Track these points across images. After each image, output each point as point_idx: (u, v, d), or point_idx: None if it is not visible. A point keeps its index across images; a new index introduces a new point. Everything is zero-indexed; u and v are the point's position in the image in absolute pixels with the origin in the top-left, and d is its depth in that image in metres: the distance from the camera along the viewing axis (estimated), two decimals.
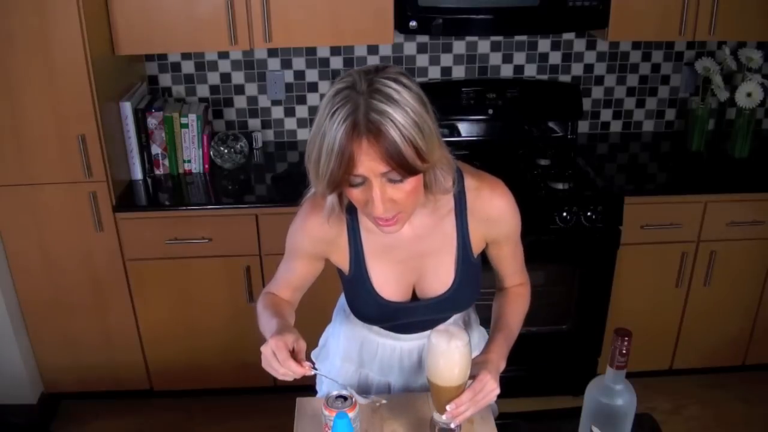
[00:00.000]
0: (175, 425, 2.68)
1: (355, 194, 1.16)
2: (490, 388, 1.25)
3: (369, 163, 1.08)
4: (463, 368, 1.25)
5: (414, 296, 1.43)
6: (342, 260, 1.39)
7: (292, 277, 1.45)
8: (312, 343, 1.68)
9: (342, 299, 1.62)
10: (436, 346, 1.25)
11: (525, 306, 1.50)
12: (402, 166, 1.09)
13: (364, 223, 1.34)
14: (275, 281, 1.47)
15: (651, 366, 2.79)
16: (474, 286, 1.44)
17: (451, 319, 1.51)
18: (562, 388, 2.51)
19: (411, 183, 1.14)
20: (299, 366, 1.20)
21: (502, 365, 1.33)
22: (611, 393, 1.16)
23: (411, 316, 1.43)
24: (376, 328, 1.51)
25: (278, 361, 1.19)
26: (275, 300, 1.44)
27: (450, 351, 1.23)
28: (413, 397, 1.46)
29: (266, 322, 1.34)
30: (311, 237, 1.37)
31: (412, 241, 1.36)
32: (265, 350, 1.21)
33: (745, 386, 2.83)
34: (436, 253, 1.37)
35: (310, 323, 1.74)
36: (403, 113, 1.07)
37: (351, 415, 1.26)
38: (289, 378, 1.21)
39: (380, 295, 1.38)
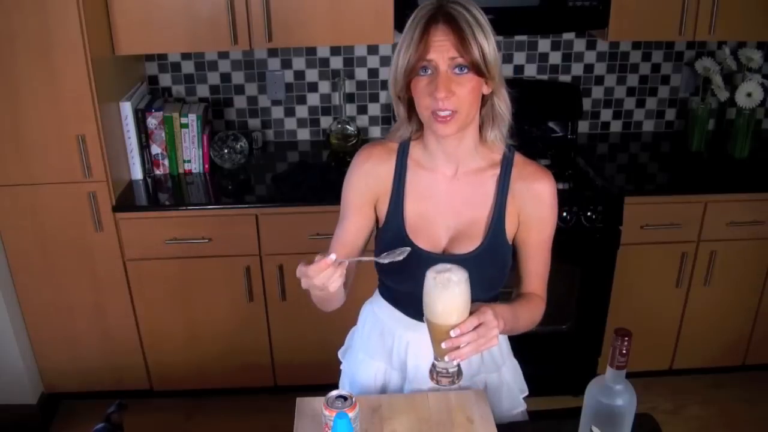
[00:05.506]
0: (175, 425, 2.67)
1: (422, 85, 1.28)
2: (492, 324, 1.20)
3: (440, 48, 1.25)
4: (461, 304, 1.19)
5: None
6: (385, 200, 1.44)
7: (344, 234, 1.45)
8: (340, 343, 1.72)
9: (368, 301, 1.63)
10: (434, 280, 1.19)
11: (539, 311, 1.49)
12: (468, 55, 1.25)
13: (412, 163, 1.43)
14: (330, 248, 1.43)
15: (651, 366, 2.79)
16: (500, 263, 1.43)
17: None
18: (562, 388, 2.50)
19: (472, 81, 1.28)
20: (322, 262, 1.15)
21: (501, 325, 1.25)
22: (611, 393, 1.16)
23: None
24: (397, 313, 1.51)
25: (316, 277, 1.16)
26: None
27: (449, 286, 1.18)
28: (413, 398, 1.46)
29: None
30: (364, 172, 1.44)
31: (453, 191, 1.41)
32: (304, 283, 1.19)
33: (745, 386, 2.84)
34: (471, 213, 1.41)
35: (337, 326, 1.76)
36: (474, 19, 1.26)
37: (351, 415, 1.26)
38: (326, 279, 1.16)
39: (410, 238, 1.40)
